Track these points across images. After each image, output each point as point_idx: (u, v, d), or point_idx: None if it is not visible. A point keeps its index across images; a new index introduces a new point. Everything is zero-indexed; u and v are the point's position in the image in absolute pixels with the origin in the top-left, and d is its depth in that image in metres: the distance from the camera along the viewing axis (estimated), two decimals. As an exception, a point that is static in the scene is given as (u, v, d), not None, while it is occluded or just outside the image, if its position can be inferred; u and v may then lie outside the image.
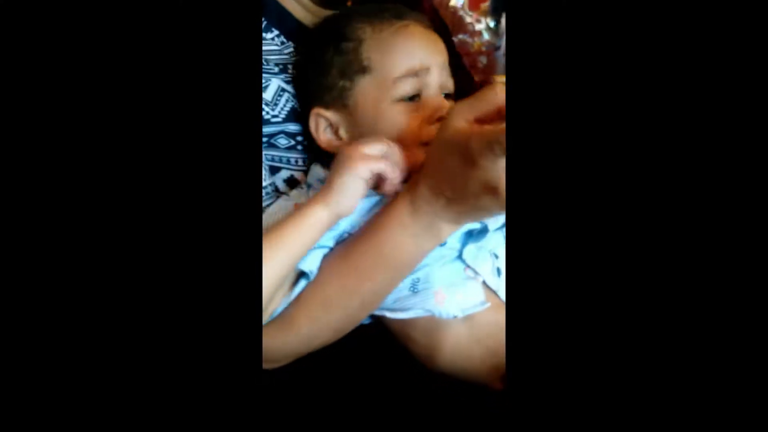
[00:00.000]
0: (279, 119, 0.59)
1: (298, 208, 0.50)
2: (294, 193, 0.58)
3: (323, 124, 0.58)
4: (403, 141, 0.51)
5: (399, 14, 0.57)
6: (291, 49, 0.63)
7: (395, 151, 0.48)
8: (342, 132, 0.57)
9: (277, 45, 0.62)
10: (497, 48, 3.76)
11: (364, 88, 0.55)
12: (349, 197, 0.47)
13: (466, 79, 0.76)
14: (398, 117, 0.53)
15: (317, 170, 0.59)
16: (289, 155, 0.60)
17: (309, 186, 0.59)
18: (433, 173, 0.45)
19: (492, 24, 3.88)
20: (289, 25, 0.64)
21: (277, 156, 0.59)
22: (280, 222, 0.48)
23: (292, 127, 0.60)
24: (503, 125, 0.36)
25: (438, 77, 0.55)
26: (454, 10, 0.78)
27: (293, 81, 0.61)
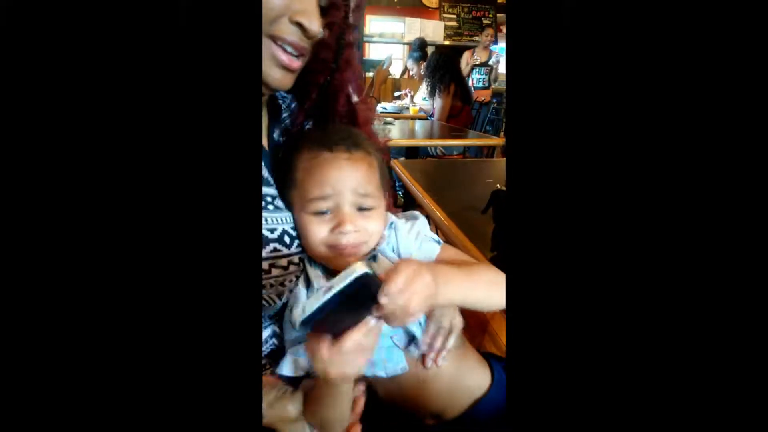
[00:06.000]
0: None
1: None
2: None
3: None
4: (311, 242, 0.70)
5: (329, 145, 0.71)
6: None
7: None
8: None
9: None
10: (431, 115, 4.12)
11: (293, 197, 0.73)
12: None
13: None
14: (310, 225, 0.70)
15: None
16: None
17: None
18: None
19: (424, 97, 4.21)
20: None
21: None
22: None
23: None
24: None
25: (349, 198, 0.70)
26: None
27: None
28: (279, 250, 0.71)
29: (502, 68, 5.39)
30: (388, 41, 6.44)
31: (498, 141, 3.22)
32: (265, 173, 0.75)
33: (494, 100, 4.61)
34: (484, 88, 4.98)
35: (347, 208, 0.69)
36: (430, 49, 4.74)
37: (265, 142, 0.79)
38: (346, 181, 0.69)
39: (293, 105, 0.86)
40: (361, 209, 0.70)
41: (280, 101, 0.84)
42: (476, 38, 6.13)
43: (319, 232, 0.69)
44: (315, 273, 0.73)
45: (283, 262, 0.72)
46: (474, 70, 5.06)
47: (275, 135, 0.81)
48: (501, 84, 5.14)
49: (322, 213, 0.69)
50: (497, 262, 1.02)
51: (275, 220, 0.72)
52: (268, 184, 0.75)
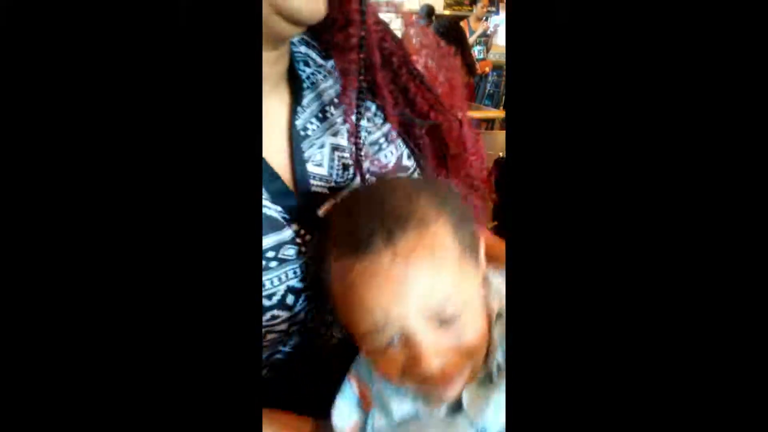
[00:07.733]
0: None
1: None
2: None
3: None
4: (384, 378, 0.49)
5: (358, 248, 0.43)
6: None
7: None
8: None
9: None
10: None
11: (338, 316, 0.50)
12: None
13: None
14: (377, 364, 0.47)
15: None
16: None
17: None
18: None
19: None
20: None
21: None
22: None
23: None
24: None
25: (418, 320, 0.43)
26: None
27: None
28: (278, 317, 0.52)
29: (497, 39, 5.34)
30: (387, 9, 6.34)
31: (498, 113, 3.24)
32: (266, 202, 0.53)
33: (494, 73, 4.58)
34: (482, 59, 4.95)
35: (421, 335, 0.43)
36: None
37: (285, 138, 0.57)
38: (401, 298, 0.42)
39: (326, 76, 0.64)
40: (444, 322, 0.44)
41: (304, 77, 0.62)
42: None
43: (391, 368, 0.45)
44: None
45: (283, 326, 0.53)
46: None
47: (299, 123, 0.58)
48: (494, 55, 5.09)
49: (388, 346, 0.44)
50: (498, 231, 1.04)
51: (275, 281, 0.51)
52: (277, 226, 0.52)
